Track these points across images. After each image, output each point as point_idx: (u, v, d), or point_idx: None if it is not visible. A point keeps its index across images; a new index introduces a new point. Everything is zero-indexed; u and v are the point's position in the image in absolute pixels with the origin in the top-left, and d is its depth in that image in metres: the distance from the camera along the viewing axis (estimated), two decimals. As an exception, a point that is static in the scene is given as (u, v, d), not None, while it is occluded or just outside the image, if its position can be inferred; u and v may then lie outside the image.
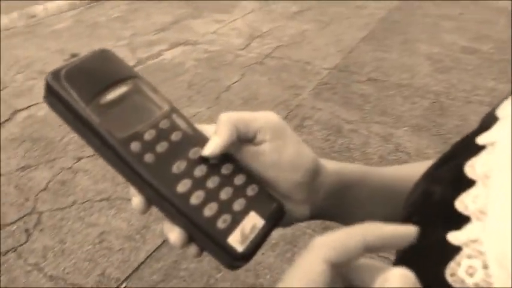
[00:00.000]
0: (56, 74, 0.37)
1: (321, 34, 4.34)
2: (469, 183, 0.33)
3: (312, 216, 0.44)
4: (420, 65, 3.59)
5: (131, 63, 3.77)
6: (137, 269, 1.89)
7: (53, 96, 0.37)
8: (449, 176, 0.37)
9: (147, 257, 1.94)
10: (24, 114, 3.00)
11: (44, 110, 3.01)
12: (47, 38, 4.38)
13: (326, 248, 0.27)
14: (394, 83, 3.28)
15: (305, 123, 2.85)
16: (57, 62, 3.84)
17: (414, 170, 0.49)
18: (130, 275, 1.86)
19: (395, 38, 4.17)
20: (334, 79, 3.36)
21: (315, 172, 0.42)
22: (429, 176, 0.41)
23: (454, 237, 0.31)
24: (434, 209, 0.36)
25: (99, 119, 0.36)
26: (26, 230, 2.08)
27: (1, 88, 3.36)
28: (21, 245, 2.01)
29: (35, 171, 2.47)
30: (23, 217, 2.15)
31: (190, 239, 0.38)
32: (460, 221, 0.32)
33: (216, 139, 0.39)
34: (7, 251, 1.97)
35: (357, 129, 2.78)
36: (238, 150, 0.40)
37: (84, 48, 4.11)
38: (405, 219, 0.40)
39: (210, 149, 0.39)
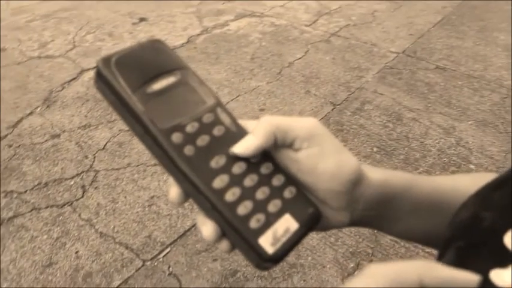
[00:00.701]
0: (106, 60, 0.38)
1: (392, 16, 4.19)
2: None
3: (351, 224, 0.43)
4: (495, 56, 3.39)
5: (197, 31, 3.80)
6: (183, 235, 1.94)
7: (102, 81, 0.38)
8: (503, 203, 0.35)
9: (193, 225, 1.98)
10: (90, 74, 3.10)
11: (109, 71, 3.10)
12: (118, 1, 4.47)
13: (381, 277, 0.27)
14: (464, 73, 3.13)
15: (365, 107, 2.79)
16: (125, 25, 3.93)
17: (465, 184, 0.47)
18: (175, 240, 1.92)
19: (472, 25, 3.95)
20: (401, 64, 3.24)
21: (356, 182, 0.40)
22: (481, 198, 0.39)
23: (497, 276, 0.30)
24: (481, 237, 0.34)
25: (143, 107, 0.37)
26: (83, 186, 2.17)
27: (72, 47, 3.49)
28: (77, 200, 2.10)
29: (95, 131, 2.57)
30: (80, 173, 2.25)
31: (222, 234, 0.38)
32: (507, 257, 0.30)
33: (250, 139, 0.39)
34: (64, 204, 2.08)
35: (418, 118, 2.68)
36: (277, 153, 0.40)
37: (153, 13, 4.18)
38: (449, 241, 0.38)
39: (242, 148, 0.39)
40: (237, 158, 0.39)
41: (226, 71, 3.17)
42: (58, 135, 2.50)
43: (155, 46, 0.41)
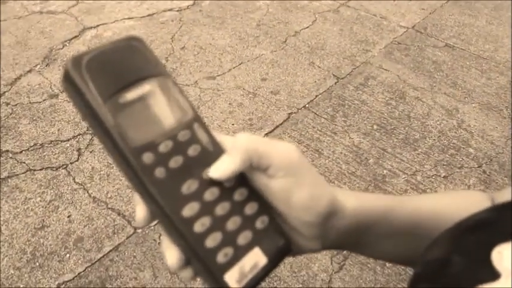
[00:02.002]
0: (76, 61, 0.34)
1: (406, -13, 4.07)
2: (493, 273, 0.30)
3: (323, 249, 0.42)
4: (508, 37, 3.31)
5: (204, -7, 3.72)
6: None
7: (70, 84, 0.34)
8: (475, 251, 0.33)
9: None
10: (92, 32, 3.05)
11: (110, 31, 3.05)
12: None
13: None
14: (473, 54, 3.06)
15: (369, 82, 2.74)
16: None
17: (445, 206, 0.45)
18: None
19: (487, 3, 3.84)
20: (409, 40, 3.17)
21: (329, 215, 0.39)
22: (455, 238, 0.37)
23: None
24: (447, 284, 0.33)
25: (114, 120, 0.34)
26: (78, 149, 2.17)
27: (75, 3, 3.42)
28: (72, 163, 2.10)
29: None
30: (77, 136, 2.24)
31: (187, 262, 0.36)
32: None
33: (226, 162, 0.37)
34: (59, 167, 2.08)
35: (421, 97, 2.64)
36: (252, 175, 0.38)
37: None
38: (417, 278, 0.37)
39: (218, 172, 0.36)
40: (210, 183, 0.36)
41: (231, 36, 3.11)
42: (56, 95, 2.48)
43: (133, 46, 0.37)
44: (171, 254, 0.36)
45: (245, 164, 0.37)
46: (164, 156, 0.35)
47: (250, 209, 0.37)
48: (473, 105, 2.61)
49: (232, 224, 0.36)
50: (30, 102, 2.41)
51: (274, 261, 0.37)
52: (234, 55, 2.92)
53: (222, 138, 0.39)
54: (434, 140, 2.37)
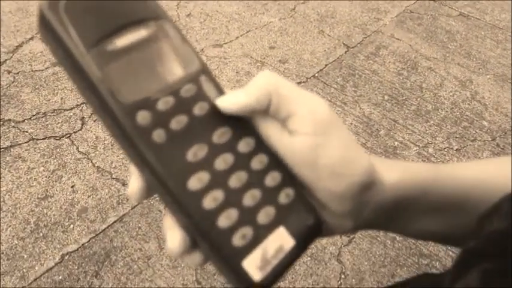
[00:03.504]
0: (53, 2, 0.28)
1: (419, -47, 3.94)
2: None
3: (353, 230, 0.35)
4: (523, 6, 3.20)
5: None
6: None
7: (46, 29, 0.28)
8: None
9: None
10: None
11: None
12: None
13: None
14: (489, 23, 2.96)
15: (380, 52, 2.66)
16: None
17: (492, 174, 0.38)
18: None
19: (502, -30, 3.71)
20: (422, 8, 3.07)
21: (365, 186, 0.31)
22: None
23: None
24: None
25: (101, 72, 0.27)
26: (82, 118, 2.12)
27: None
28: (76, 132, 2.06)
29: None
30: (80, 105, 2.19)
31: (194, 245, 0.30)
32: None
33: (238, 94, 0.30)
34: (62, 136, 2.03)
35: (434, 68, 2.56)
36: (267, 128, 0.31)
37: None
38: (471, 257, 0.30)
39: (226, 102, 0.30)
40: (222, 148, 0.30)
41: (238, 3, 3.02)
42: (59, 63, 2.42)
43: None
44: (174, 236, 0.29)
45: (262, 101, 0.30)
46: (164, 115, 0.29)
47: (272, 179, 0.31)
48: (487, 76, 2.53)
49: (251, 198, 0.30)
50: (32, 70, 2.35)
51: (302, 244, 0.31)
52: (242, 22, 2.83)
53: None
54: (446, 111, 2.30)
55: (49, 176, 1.85)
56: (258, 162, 0.31)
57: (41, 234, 1.66)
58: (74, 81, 0.29)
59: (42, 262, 1.58)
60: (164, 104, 0.29)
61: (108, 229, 1.68)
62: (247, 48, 2.62)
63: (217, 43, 2.65)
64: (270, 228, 0.30)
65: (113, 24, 0.29)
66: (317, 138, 0.30)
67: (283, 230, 0.30)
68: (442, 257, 1.68)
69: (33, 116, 2.11)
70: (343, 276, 1.63)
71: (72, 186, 1.82)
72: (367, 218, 0.34)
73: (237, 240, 0.29)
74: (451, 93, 2.40)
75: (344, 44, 2.71)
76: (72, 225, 1.69)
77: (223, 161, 0.30)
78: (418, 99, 2.36)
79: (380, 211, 0.34)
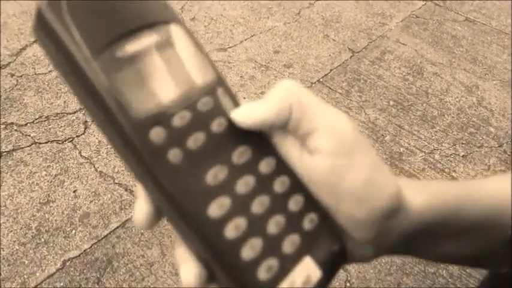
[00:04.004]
0: (54, 1, 0.25)
1: (424, -42, 3.92)
2: None
3: (377, 256, 0.32)
4: (530, 11, 3.18)
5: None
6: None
7: (44, 30, 0.25)
8: None
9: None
10: None
11: None
12: None
13: None
14: (495, 28, 2.94)
15: (385, 57, 2.64)
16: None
17: None
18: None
19: (508, -25, 3.69)
20: (428, 13, 3.05)
21: (391, 212, 0.29)
22: None
23: None
24: None
25: (109, 81, 0.24)
26: (85, 122, 2.10)
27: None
28: (78, 136, 2.04)
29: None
30: (83, 108, 2.17)
31: (211, 276, 0.27)
32: None
33: (257, 105, 0.27)
34: (65, 140, 2.02)
35: (440, 73, 2.54)
36: (286, 145, 0.28)
37: None
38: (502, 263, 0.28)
39: (243, 115, 0.27)
40: (243, 168, 0.27)
41: (243, 7, 3.00)
42: (63, 66, 2.41)
43: None
44: (189, 269, 0.26)
45: (282, 115, 0.27)
46: (180, 132, 0.26)
47: (295, 203, 0.28)
48: (494, 82, 2.51)
49: (275, 225, 0.27)
50: (35, 74, 2.34)
51: (329, 273, 0.28)
52: (246, 27, 2.82)
53: None
54: (453, 117, 2.28)
55: (51, 181, 1.83)
56: (280, 184, 0.28)
57: (43, 240, 1.64)
58: (75, 90, 0.26)
59: (44, 268, 1.56)
60: (180, 119, 0.26)
61: (111, 235, 1.66)
62: (251, 52, 2.60)
63: (222, 47, 2.63)
64: (296, 258, 0.27)
65: (123, 27, 0.26)
66: (339, 159, 0.27)
67: (309, 259, 0.27)
68: (448, 265, 1.66)
69: (36, 119, 2.09)
70: (348, 284, 1.60)
71: (74, 191, 1.80)
72: (390, 245, 0.31)
73: (263, 273, 0.26)
74: (457, 99, 2.38)
75: (349, 48, 2.69)
76: (74, 231, 1.67)
77: (244, 184, 0.27)
78: (424, 104, 2.34)
79: (404, 237, 0.31)
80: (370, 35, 2.82)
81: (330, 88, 2.39)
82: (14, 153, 1.92)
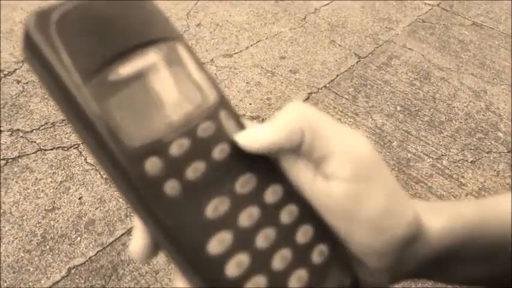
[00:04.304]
0: (42, 18, 0.23)
1: (431, -37, 3.91)
2: None
3: (392, 284, 0.31)
4: (538, 15, 3.16)
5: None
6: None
7: (33, 52, 0.23)
8: None
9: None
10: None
11: None
12: None
13: None
14: (503, 33, 2.91)
15: (392, 62, 2.62)
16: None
17: None
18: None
19: (515, -21, 3.67)
20: (434, 18, 3.03)
21: (409, 240, 0.27)
22: None
23: None
24: None
25: (100, 108, 0.23)
26: (90, 129, 2.10)
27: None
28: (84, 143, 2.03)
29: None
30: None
31: None
32: None
33: (264, 129, 0.25)
34: (70, 147, 2.01)
35: (447, 78, 2.52)
36: (296, 170, 0.26)
37: None
38: None
39: (248, 139, 0.25)
40: (246, 198, 0.25)
41: (248, 13, 3.00)
42: (69, 73, 2.41)
43: None
44: None
45: (292, 139, 0.25)
46: (178, 162, 0.24)
47: (303, 235, 0.26)
48: (502, 86, 2.48)
49: (281, 260, 0.25)
50: (41, 80, 2.34)
51: None
52: (252, 32, 2.81)
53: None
54: (461, 122, 2.25)
55: (56, 188, 1.83)
56: (288, 214, 0.26)
57: (48, 247, 1.63)
58: (67, 117, 0.24)
59: (49, 276, 1.55)
60: (178, 147, 0.24)
61: (116, 242, 1.65)
62: (257, 58, 2.60)
63: (227, 53, 2.62)
64: None
65: (117, 47, 0.24)
66: (357, 185, 0.26)
67: None
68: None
69: (42, 126, 2.09)
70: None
71: (79, 198, 1.79)
72: (406, 272, 0.30)
73: None
74: (465, 104, 2.36)
75: (355, 54, 2.68)
76: (79, 238, 1.66)
77: (248, 216, 0.25)
78: (432, 110, 2.31)
79: (423, 263, 0.30)
80: (376, 40, 2.81)
81: (336, 94, 2.37)
82: (20, 160, 1.92)
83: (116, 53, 0.24)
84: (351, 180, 0.26)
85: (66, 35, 0.23)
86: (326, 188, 0.26)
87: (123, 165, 0.23)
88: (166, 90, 0.25)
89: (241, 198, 0.25)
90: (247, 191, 0.25)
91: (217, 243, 0.24)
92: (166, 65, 0.25)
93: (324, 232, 0.27)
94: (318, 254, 0.26)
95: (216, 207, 0.24)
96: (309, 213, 0.27)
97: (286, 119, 0.26)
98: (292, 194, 0.27)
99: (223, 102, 0.26)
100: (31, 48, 0.23)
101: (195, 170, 0.24)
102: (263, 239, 0.25)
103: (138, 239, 0.25)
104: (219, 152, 0.25)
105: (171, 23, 0.27)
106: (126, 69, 0.24)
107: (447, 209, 0.32)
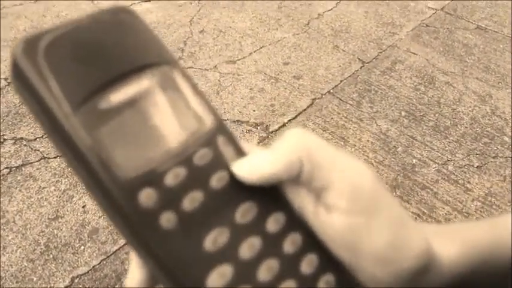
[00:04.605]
0: (30, 45, 0.22)
1: (434, -33, 3.90)
2: None
3: None
4: (542, 18, 3.14)
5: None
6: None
7: (21, 81, 0.22)
8: None
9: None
10: (109, 16, 2.96)
11: None
12: None
13: None
14: (507, 36, 2.90)
15: (396, 67, 2.61)
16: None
17: None
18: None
19: (519, -18, 3.65)
20: (438, 22, 3.02)
21: (420, 272, 0.26)
22: None
23: None
24: None
25: (91, 138, 0.22)
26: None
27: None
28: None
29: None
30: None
31: None
32: None
33: (263, 158, 0.24)
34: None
35: (452, 82, 2.50)
36: (298, 200, 0.25)
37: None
38: None
39: (246, 170, 0.24)
40: (247, 228, 0.23)
41: (251, 19, 3.00)
42: (72, 81, 2.41)
43: (120, 21, 0.24)
44: None
45: (291, 170, 0.24)
46: (174, 193, 0.23)
47: (308, 264, 0.24)
48: (507, 90, 2.46)
49: None
50: (45, 88, 2.34)
51: None
52: (255, 38, 2.81)
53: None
54: (466, 127, 2.24)
55: (60, 196, 1.82)
56: (291, 243, 0.25)
57: (51, 256, 1.62)
58: (58, 148, 0.23)
59: (52, 285, 1.54)
60: (174, 177, 0.23)
61: (120, 251, 1.64)
62: (260, 64, 2.59)
63: (231, 59, 2.62)
64: None
65: (108, 73, 0.23)
66: (357, 217, 0.25)
67: None
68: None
69: (45, 134, 2.08)
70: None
71: (83, 207, 1.78)
72: None
73: None
74: (470, 109, 2.34)
75: (359, 59, 2.67)
76: (82, 247, 1.65)
77: (249, 248, 0.24)
78: (436, 115, 2.30)
79: None
80: (380, 44, 2.80)
81: (340, 99, 2.36)
82: (23, 168, 1.91)
83: (107, 79, 0.23)
84: (351, 212, 0.25)
85: (54, 62, 0.22)
86: (327, 219, 0.25)
87: (115, 197, 0.22)
88: (161, 116, 0.24)
89: (242, 229, 0.24)
90: (247, 220, 0.24)
91: (217, 277, 0.23)
92: (161, 90, 0.24)
93: (330, 261, 0.26)
94: (325, 284, 0.25)
95: (215, 238, 0.23)
96: (312, 241, 0.25)
97: (285, 149, 0.25)
98: (295, 222, 0.25)
99: (220, 127, 0.25)
100: (19, 76, 0.22)
101: (192, 201, 0.23)
102: (266, 270, 0.23)
103: (135, 273, 0.24)
104: (217, 180, 0.24)
105: (166, 47, 0.26)
106: (118, 96, 0.23)
107: (459, 232, 0.30)
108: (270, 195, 0.25)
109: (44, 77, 0.22)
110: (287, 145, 0.25)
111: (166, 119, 0.24)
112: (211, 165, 0.24)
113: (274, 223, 0.25)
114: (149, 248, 0.22)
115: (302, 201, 0.26)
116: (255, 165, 0.24)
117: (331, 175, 0.25)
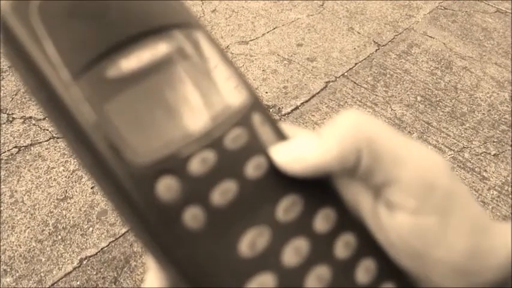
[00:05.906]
0: (21, 3, 0.17)
1: None
2: None
3: None
4: None
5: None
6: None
7: (11, 44, 0.18)
8: None
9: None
10: None
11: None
12: None
13: None
14: (528, 20, 2.82)
15: (412, 50, 2.55)
16: None
17: None
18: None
19: (541, -35, 3.54)
20: (457, 5, 2.94)
21: (504, 283, 0.21)
22: None
23: None
24: None
25: (96, 112, 0.17)
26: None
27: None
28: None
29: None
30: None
31: None
32: None
33: (311, 146, 0.20)
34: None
35: (470, 67, 2.44)
36: (358, 202, 0.21)
37: None
38: None
39: (290, 159, 0.19)
40: (291, 228, 0.19)
41: (265, -1, 2.93)
42: (82, 59, 2.38)
43: None
44: None
45: (344, 159, 0.20)
46: (201, 183, 0.18)
47: (364, 272, 0.20)
48: (527, 76, 2.40)
49: None
50: (54, 66, 2.31)
51: None
52: (268, 19, 2.75)
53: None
54: (483, 114, 2.18)
55: (69, 176, 1.80)
56: (344, 246, 0.20)
57: (60, 237, 1.61)
58: (55, 126, 0.19)
59: (60, 266, 1.53)
60: (200, 164, 0.18)
61: (128, 233, 1.62)
62: (274, 45, 2.54)
63: (243, 40, 2.57)
64: None
65: (117, 35, 0.18)
66: (428, 219, 0.20)
67: None
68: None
69: (41, 109, 2.06)
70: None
71: (92, 187, 1.76)
72: None
73: None
74: (488, 95, 2.28)
75: (374, 41, 2.60)
76: (91, 228, 1.64)
77: (295, 252, 0.19)
78: (453, 100, 2.24)
79: None
80: (396, 27, 2.73)
81: (354, 83, 2.31)
82: (32, 148, 1.89)
83: (116, 42, 0.18)
84: (421, 212, 0.20)
85: (51, 21, 0.18)
86: (389, 219, 0.21)
87: (127, 188, 0.17)
88: (183, 90, 0.19)
89: (285, 228, 0.19)
90: (292, 218, 0.20)
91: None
92: (182, 58, 0.19)
93: (390, 266, 0.21)
94: None
95: (252, 241, 0.19)
96: (369, 244, 0.21)
97: (338, 134, 0.20)
98: (349, 219, 0.21)
99: (256, 104, 0.20)
100: (8, 39, 0.18)
101: (223, 193, 0.19)
102: (316, 280, 0.19)
103: (153, 282, 0.20)
104: (254, 168, 0.20)
105: (188, 7, 0.21)
106: (130, 63, 0.18)
107: None
108: (318, 185, 0.21)
109: (38, 38, 0.17)
110: (341, 130, 0.20)
111: (189, 92, 0.19)
112: (246, 150, 0.20)
113: (323, 221, 0.20)
114: (170, 253, 0.18)
115: (357, 197, 0.21)
116: (299, 152, 0.20)
117: (397, 169, 0.20)
